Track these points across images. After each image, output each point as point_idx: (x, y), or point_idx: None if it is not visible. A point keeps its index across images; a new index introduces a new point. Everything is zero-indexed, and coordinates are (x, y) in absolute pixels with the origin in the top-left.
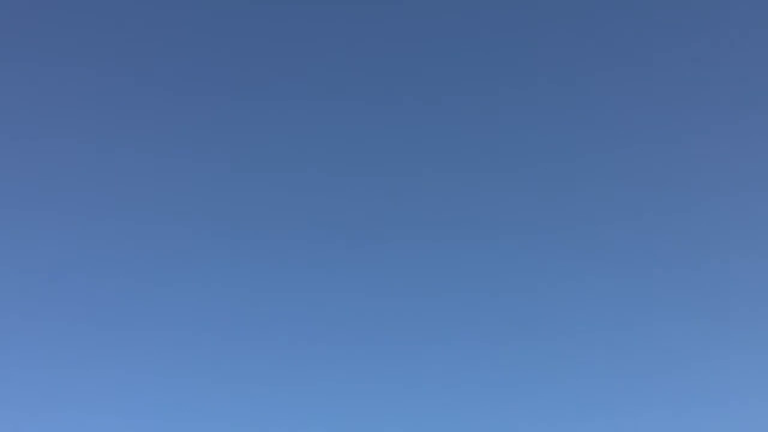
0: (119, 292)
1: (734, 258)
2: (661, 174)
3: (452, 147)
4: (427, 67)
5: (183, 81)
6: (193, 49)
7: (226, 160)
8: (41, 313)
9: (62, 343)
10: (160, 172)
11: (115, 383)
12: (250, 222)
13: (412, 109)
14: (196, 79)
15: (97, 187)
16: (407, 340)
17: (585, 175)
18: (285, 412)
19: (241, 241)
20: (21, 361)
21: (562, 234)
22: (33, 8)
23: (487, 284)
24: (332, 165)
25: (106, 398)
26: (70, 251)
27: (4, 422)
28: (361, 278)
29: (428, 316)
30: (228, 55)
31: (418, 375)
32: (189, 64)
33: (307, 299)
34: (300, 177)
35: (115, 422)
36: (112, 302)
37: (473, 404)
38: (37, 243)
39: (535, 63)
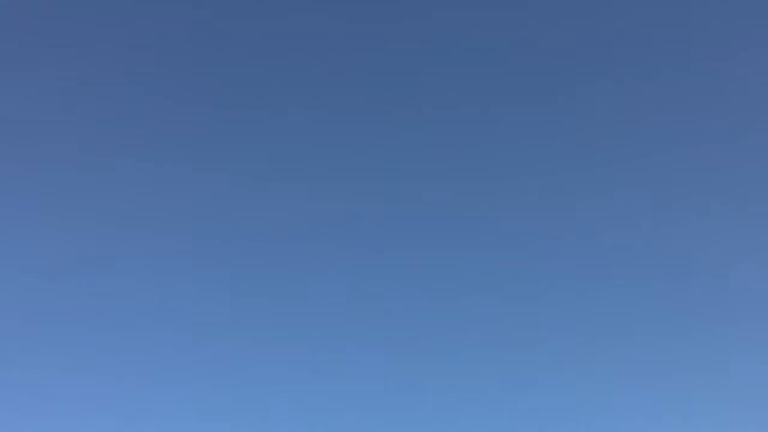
0: (118, 295)
1: (737, 262)
2: (665, 178)
3: (452, 150)
4: (427, 67)
5: (181, 85)
6: (192, 52)
7: (224, 164)
8: (41, 314)
9: (61, 345)
10: (157, 176)
11: (113, 385)
12: (250, 224)
13: (413, 112)
14: (193, 83)
15: (94, 191)
16: (407, 342)
17: (586, 177)
18: (285, 412)
19: (239, 245)
20: (20, 363)
21: (563, 239)
22: (33, 8)
23: (487, 287)
24: (332, 169)
25: (104, 402)
26: (69, 255)
27: (4, 422)
28: (361, 282)
29: (428, 320)
30: (225, 59)
31: (418, 380)
32: (188, 66)
33: (308, 304)
34: (300, 182)
35: (114, 425)
36: (112, 305)
37: (473, 409)
38: (37, 246)
39: (535, 63)
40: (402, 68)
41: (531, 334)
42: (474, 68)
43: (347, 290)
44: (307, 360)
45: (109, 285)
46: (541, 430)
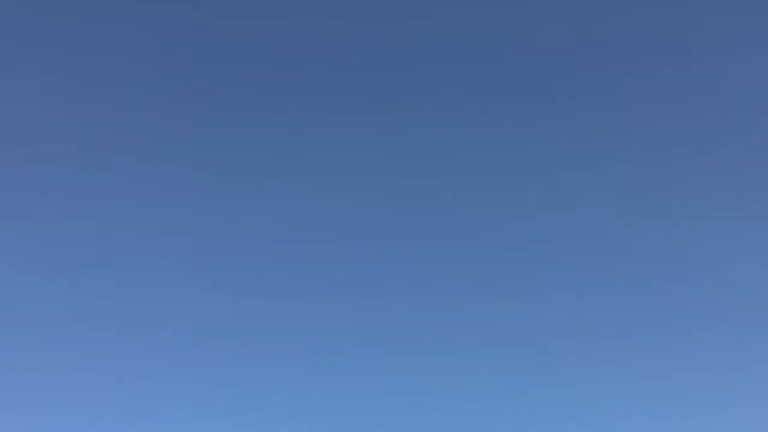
0: (118, 295)
1: (737, 262)
2: (665, 178)
3: (452, 150)
4: (427, 67)
5: (181, 85)
6: (192, 52)
7: (224, 164)
8: (41, 314)
9: (61, 345)
10: (157, 176)
11: (113, 385)
12: (250, 224)
13: (413, 112)
14: (193, 83)
15: (94, 191)
16: (407, 342)
17: (586, 177)
18: (285, 412)
19: (239, 245)
20: (20, 363)
21: (563, 239)
22: (33, 8)
23: (487, 287)
24: (332, 169)
25: (104, 402)
26: (69, 255)
27: (4, 422)
28: (361, 282)
29: (428, 320)
30: (225, 59)
31: (418, 380)
32: (188, 66)
33: (308, 304)
34: (300, 182)
35: (114, 425)
36: (112, 305)
37: (473, 409)
38: (37, 246)
39: (535, 63)
40: (402, 68)
41: (531, 334)
42: (474, 68)
43: (347, 290)
44: (307, 360)
45: (109, 285)
46: (541, 430)
